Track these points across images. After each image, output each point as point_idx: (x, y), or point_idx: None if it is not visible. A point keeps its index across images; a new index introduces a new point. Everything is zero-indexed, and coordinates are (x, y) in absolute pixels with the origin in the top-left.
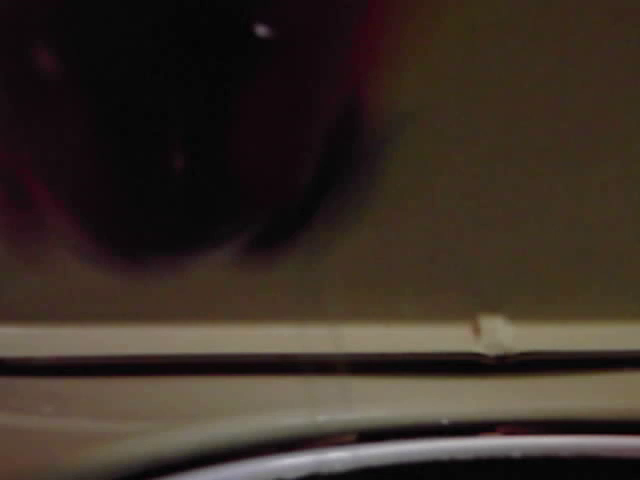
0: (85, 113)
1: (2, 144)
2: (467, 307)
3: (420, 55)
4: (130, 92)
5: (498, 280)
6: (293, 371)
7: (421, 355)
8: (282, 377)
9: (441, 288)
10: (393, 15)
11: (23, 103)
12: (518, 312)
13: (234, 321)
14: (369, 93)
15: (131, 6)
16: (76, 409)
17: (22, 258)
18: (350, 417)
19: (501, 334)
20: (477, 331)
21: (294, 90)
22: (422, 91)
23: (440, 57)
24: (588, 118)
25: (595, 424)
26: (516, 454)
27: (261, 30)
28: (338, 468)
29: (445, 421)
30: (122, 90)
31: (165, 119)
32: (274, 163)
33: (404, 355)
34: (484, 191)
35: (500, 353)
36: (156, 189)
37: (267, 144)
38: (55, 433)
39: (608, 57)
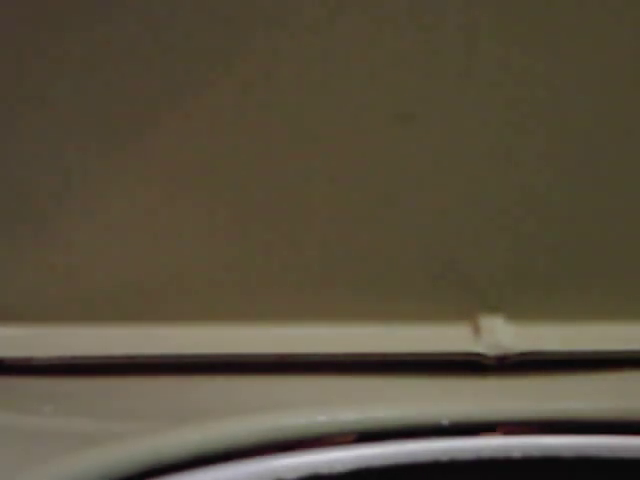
0: None
1: None
2: (467, 307)
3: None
4: None
5: (498, 280)
6: (293, 371)
7: (421, 355)
8: (282, 377)
9: (441, 288)
10: None
11: None
12: (518, 312)
13: (234, 321)
14: None
15: None
16: (76, 409)
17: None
18: (350, 417)
19: (501, 334)
20: (477, 331)
21: None
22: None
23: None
24: (587, 117)
25: (595, 424)
26: (516, 454)
27: None
28: (338, 468)
29: (445, 421)
30: None
31: None
32: None
33: (404, 355)
34: (484, 191)
35: (500, 353)
36: None
37: None
38: (55, 433)
39: (608, 57)
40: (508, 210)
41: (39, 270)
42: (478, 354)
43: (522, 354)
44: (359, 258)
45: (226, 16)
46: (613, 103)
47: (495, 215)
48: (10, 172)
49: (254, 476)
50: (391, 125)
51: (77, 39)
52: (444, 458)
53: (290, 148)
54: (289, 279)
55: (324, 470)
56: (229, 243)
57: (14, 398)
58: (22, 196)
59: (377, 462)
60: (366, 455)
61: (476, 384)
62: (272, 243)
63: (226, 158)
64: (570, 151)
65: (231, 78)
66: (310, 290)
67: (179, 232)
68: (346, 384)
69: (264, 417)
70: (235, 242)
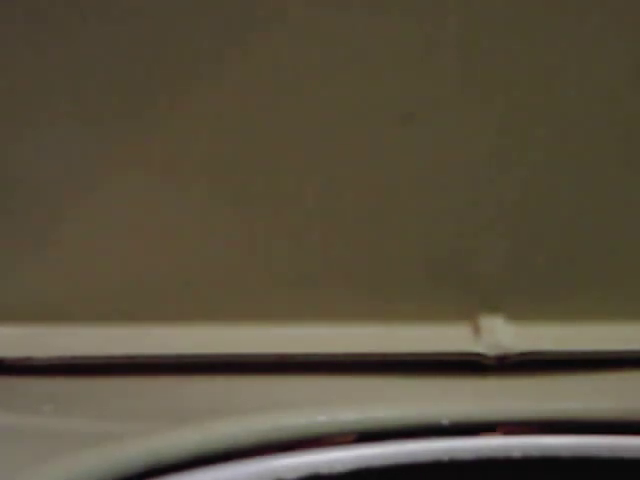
0: None
1: None
2: (467, 307)
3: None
4: None
5: (498, 280)
6: (293, 371)
7: (421, 355)
8: (282, 377)
9: (441, 288)
10: None
11: None
12: (518, 312)
13: (234, 321)
14: None
15: None
16: (76, 409)
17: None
18: (350, 417)
19: (501, 334)
20: (477, 331)
21: None
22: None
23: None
24: (587, 118)
25: (595, 424)
26: (516, 454)
27: None
28: (338, 468)
29: (445, 421)
30: None
31: None
32: None
33: (404, 355)
34: (484, 191)
35: (500, 353)
36: None
37: None
38: (55, 433)
39: (610, 57)
40: (508, 210)
41: (39, 270)
42: (478, 354)
43: (522, 354)
44: (359, 258)
45: (226, 15)
46: (614, 103)
47: (495, 215)
48: (10, 172)
49: (254, 476)
50: (391, 125)
51: (76, 37)
52: (444, 458)
53: (290, 148)
54: (289, 279)
55: (324, 470)
56: (229, 243)
57: (14, 398)
58: (22, 196)
59: (377, 462)
60: (366, 455)
61: (476, 384)
62: (272, 243)
63: (226, 158)
64: (570, 151)
65: (231, 78)
66: (310, 290)
67: (179, 232)
68: (346, 384)
69: (264, 417)
70: (235, 242)
